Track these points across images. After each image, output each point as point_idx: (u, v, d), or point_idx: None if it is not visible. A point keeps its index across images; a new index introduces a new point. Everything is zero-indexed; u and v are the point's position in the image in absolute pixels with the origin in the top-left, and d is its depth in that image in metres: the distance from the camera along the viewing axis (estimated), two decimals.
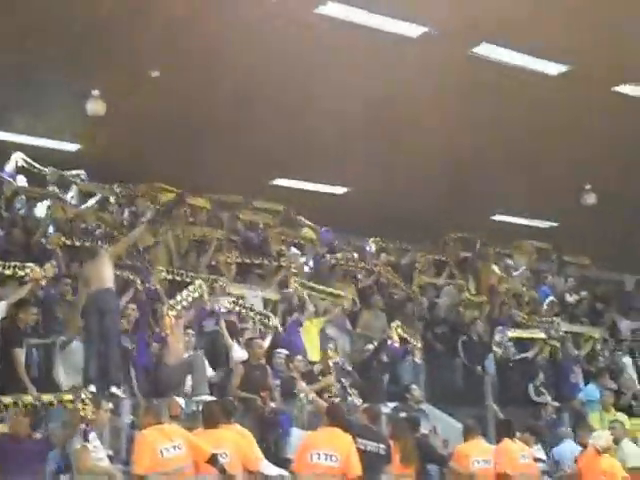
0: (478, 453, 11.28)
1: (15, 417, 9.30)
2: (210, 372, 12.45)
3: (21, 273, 11.78)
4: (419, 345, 14.87)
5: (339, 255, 17.26)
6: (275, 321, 13.73)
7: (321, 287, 15.47)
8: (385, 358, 14.38)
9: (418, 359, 14.84)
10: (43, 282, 11.85)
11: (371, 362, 14.27)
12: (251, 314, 13.64)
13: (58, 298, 12.35)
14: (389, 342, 14.40)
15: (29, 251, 13.25)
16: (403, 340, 14.72)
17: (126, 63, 13.35)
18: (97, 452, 9.19)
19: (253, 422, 11.64)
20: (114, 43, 12.78)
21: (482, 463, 11.19)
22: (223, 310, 13.15)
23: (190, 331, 12.59)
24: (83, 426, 9.39)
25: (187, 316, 12.75)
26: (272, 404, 11.94)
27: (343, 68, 13.68)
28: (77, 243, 13.65)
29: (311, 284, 15.38)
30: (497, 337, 15.97)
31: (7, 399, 9.63)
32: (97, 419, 9.43)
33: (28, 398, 9.82)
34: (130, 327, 12.26)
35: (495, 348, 15.94)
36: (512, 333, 16.13)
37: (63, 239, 13.47)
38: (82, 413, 9.53)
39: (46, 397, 9.99)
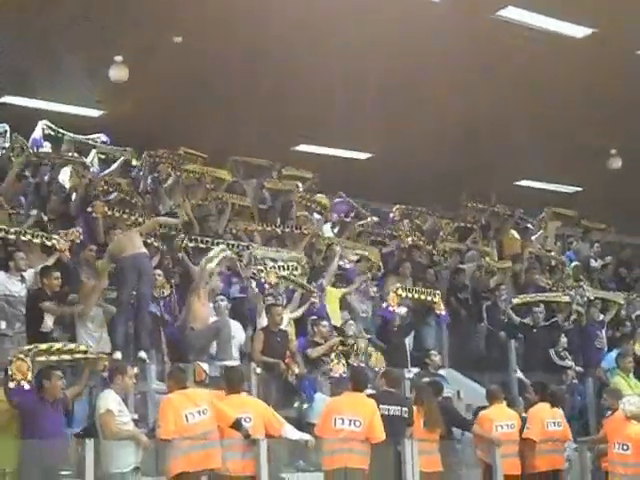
0: (501, 418, 11.39)
1: (52, 378, 9.36)
2: (242, 338, 12.51)
3: (48, 243, 11.88)
4: (437, 299, 14.29)
5: (365, 221, 17.23)
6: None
7: (351, 247, 15.45)
8: (398, 321, 14.13)
9: (439, 311, 14.40)
10: (68, 253, 11.98)
11: (384, 329, 14.17)
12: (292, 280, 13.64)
13: (83, 264, 12.38)
14: (384, 305, 14.03)
15: (65, 219, 13.32)
16: (421, 301, 14.42)
17: (149, 29, 13.33)
18: (122, 416, 9.25)
19: (277, 388, 11.71)
20: (137, 9, 12.77)
21: (505, 428, 11.32)
22: (267, 283, 13.19)
23: (220, 297, 12.60)
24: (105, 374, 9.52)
25: (214, 282, 12.78)
26: (296, 369, 11.98)
27: (366, 34, 13.59)
28: (117, 214, 13.65)
29: (349, 244, 15.38)
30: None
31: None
32: (122, 385, 9.50)
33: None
34: (157, 293, 12.36)
35: (508, 312, 15.85)
36: (520, 300, 16.03)
37: (106, 208, 13.53)
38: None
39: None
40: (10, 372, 9.18)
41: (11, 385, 9.13)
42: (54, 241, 11.88)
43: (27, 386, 9.14)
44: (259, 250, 13.99)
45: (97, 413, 9.27)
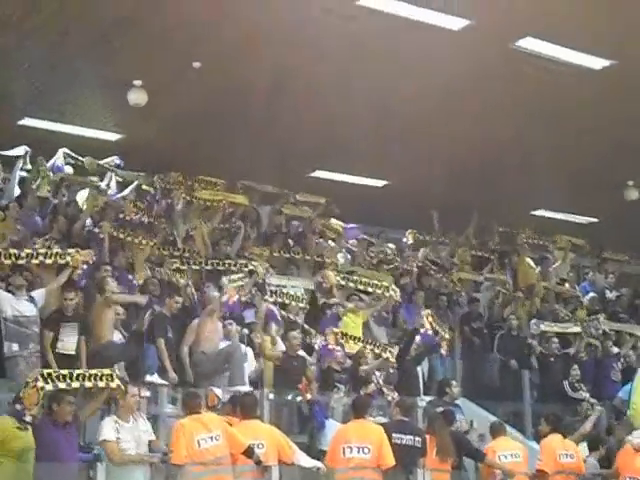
0: (504, 449, 11.50)
1: (62, 403, 9.32)
2: (254, 365, 12.50)
3: (61, 261, 11.88)
4: (447, 336, 14.55)
5: (384, 250, 17.24)
6: None
7: (367, 275, 15.44)
8: (417, 348, 14.21)
9: (444, 351, 14.61)
10: (80, 269, 11.98)
11: (404, 354, 14.19)
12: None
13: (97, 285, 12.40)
14: (422, 330, 14.11)
15: (70, 238, 13.37)
16: (434, 331, 14.55)
17: (169, 53, 13.36)
18: (120, 442, 9.19)
19: (288, 414, 11.69)
20: (157, 33, 12.80)
21: (510, 457, 11.42)
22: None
23: (229, 321, 12.61)
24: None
25: (224, 306, 12.79)
26: (309, 396, 11.98)
27: (383, 61, 13.60)
28: (122, 235, 13.76)
29: (360, 273, 15.36)
30: (532, 329, 15.94)
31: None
32: (125, 406, 9.42)
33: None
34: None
35: (530, 340, 15.88)
36: (545, 327, 16.04)
37: (112, 229, 13.60)
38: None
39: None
40: (22, 394, 9.13)
41: (18, 407, 9.06)
42: (68, 258, 11.85)
43: (28, 418, 9.00)
44: (273, 278, 14.03)
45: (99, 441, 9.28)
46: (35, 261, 11.75)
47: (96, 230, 13.66)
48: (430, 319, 14.25)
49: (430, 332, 14.11)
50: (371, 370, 13.18)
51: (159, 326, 12.01)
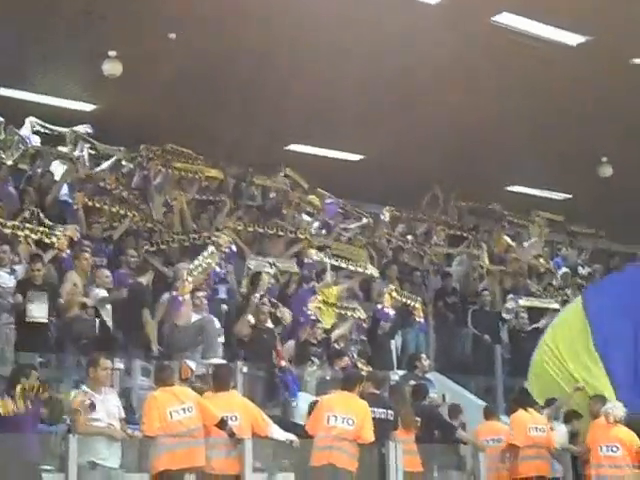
0: (489, 433, 11.76)
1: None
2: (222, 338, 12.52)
3: (47, 240, 11.84)
4: (418, 305, 14.51)
5: (359, 223, 17.26)
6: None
7: (344, 248, 15.45)
8: (384, 324, 14.20)
9: (419, 318, 14.62)
10: (65, 253, 11.93)
11: (374, 329, 14.22)
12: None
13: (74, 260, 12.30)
14: (379, 307, 14.10)
15: (43, 210, 13.27)
16: (403, 304, 14.55)
17: (144, 24, 13.30)
18: (89, 413, 9.13)
19: (262, 385, 11.74)
20: (132, 4, 12.73)
21: (491, 442, 11.65)
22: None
23: (201, 293, 12.50)
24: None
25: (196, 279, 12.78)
26: (282, 362, 12.02)
27: (362, 35, 13.59)
28: (97, 205, 13.70)
29: (337, 246, 15.39)
30: (508, 305, 16.01)
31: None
32: (95, 378, 9.37)
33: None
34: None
35: (505, 315, 15.96)
36: (525, 302, 16.14)
37: (86, 199, 13.52)
38: None
39: None
40: None
41: None
42: (54, 238, 11.82)
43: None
44: (253, 261, 14.01)
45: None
46: (21, 233, 11.69)
47: (69, 201, 13.54)
48: (394, 294, 14.22)
49: (387, 309, 14.04)
50: (344, 334, 13.23)
51: (143, 297, 12.01)
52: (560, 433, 12.05)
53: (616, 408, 11.59)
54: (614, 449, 11.29)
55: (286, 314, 13.16)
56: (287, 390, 11.94)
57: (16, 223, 11.81)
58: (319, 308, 13.37)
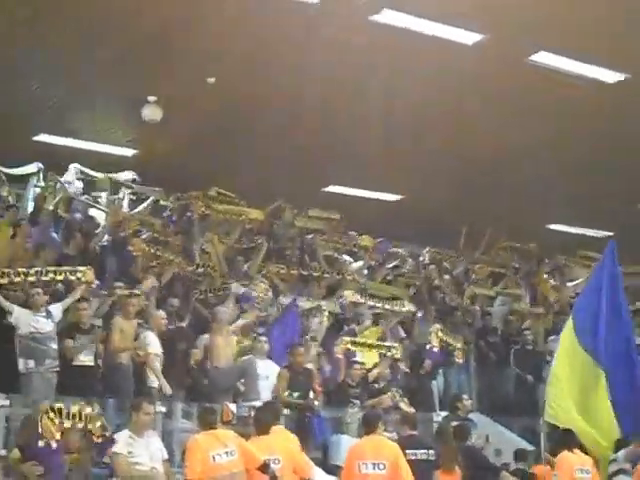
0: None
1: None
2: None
3: (72, 278, 11.90)
4: (459, 345, 14.55)
5: (397, 264, 17.24)
6: None
7: (382, 288, 15.41)
8: (428, 364, 14.23)
9: (459, 359, 14.59)
10: (91, 286, 11.99)
11: (417, 369, 14.15)
12: None
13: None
14: (428, 347, 14.13)
15: (86, 255, 13.38)
16: (446, 344, 14.54)
17: (183, 69, 13.43)
18: (132, 457, 9.17)
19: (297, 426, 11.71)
20: (171, 49, 12.87)
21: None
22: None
23: (263, 338, 12.51)
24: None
25: (239, 322, 12.80)
26: (316, 402, 11.98)
27: (398, 75, 13.64)
28: (151, 250, 13.76)
29: (375, 286, 15.35)
30: (551, 346, 15.84)
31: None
32: (138, 422, 9.42)
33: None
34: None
35: (549, 358, 15.80)
36: None
37: (144, 246, 13.58)
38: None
39: None
40: (40, 429, 9.05)
41: (41, 444, 9.00)
42: (79, 274, 11.86)
43: (54, 445, 8.97)
44: (306, 303, 14.06)
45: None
46: (45, 278, 11.75)
47: (129, 248, 13.56)
48: (440, 334, 14.23)
49: (436, 349, 14.01)
50: (380, 374, 13.15)
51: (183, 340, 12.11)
52: None
53: None
54: None
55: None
56: (312, 431, 11.83)
57: (39, 269, 11.81)
58: (348, 349, 13.32)
